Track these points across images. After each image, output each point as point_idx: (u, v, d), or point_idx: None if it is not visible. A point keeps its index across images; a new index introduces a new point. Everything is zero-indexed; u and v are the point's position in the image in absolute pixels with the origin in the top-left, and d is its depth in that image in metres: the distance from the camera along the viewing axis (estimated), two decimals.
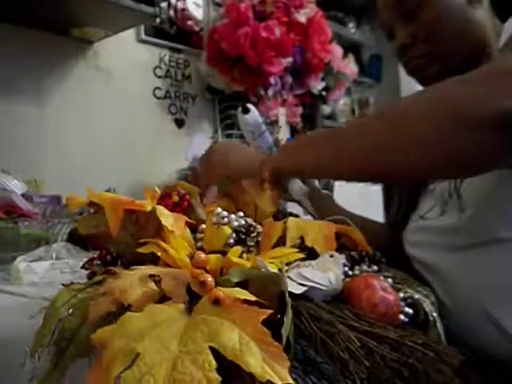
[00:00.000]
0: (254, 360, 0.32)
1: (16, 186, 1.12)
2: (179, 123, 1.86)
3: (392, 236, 0.81)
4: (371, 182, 0.72)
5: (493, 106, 0.47)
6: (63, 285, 0.50)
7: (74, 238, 0.98)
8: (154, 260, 0.52)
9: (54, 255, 0.88)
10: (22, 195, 1.13)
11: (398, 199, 0.86)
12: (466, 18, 0.70)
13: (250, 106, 0.82)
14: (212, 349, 0.33)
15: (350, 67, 2.19)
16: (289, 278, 0.46)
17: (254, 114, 0.82)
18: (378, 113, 0.61)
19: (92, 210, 0.57)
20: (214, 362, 0.32)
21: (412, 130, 0.51)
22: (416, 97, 0.56)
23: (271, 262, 0.49)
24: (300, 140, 0.74)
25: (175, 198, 0.62)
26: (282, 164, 0.65)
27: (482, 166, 0.53)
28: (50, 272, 0.83)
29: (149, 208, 0.54)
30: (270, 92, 1.85)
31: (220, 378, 0.31)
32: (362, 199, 1.40)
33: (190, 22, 1.84)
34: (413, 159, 0.51)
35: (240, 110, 0.83)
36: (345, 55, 2.20)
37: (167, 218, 0.53)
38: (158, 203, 0.59)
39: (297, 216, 0.68)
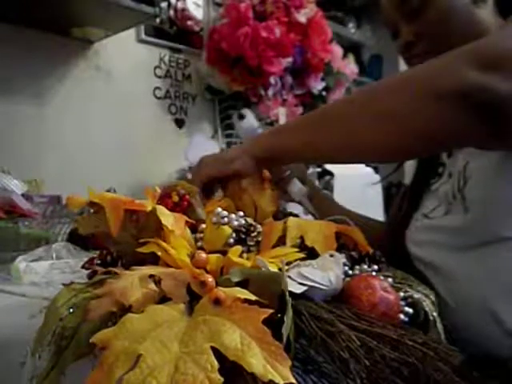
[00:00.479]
0: (256, 360, 0.32)
1: (16, 186, 1.12)
2: (179, 123, 1.86)
3: (393, 235, 0.81)
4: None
5: (452, 78, 0.49)
6: (64, 284, 0.49)
7: (74, 238, 0.98)
8: (154, 260, 0.51)
9: (54, 255, 0.88)
10: (22, 195, 1.12)
11: (399, 199, 0.86)
12: (470, 17, 0.70)
13: (245, 111, 0.82)
14: (213, 349, 0.33)
15: (349, 67, 2.18)
16: (289, 277, 0.46)
17: (249, 119, 0.82)
18: (350, 98, 0.65)
19: (92, 210, 0.57)
20: (216, 363, 0.32)
21: (380, 104, 0.54)
22: (387, 78, 0.62)
23: (271, 262, 0.49)
24: (286, 124, 0.75)
25: (175, 198, 0.62)
26: (274, 145, 0.65)
27: (449, 141, 0.54)
28: (50, 272, 0.83)
29: (149, 208, 0.54)
30: (270, 92, 1.84)
31: (222, 379, 0.31)
32: (362, 199, 1.40)
33: (189, 22, 1.84)
34: (380, 133, 0.54)
35: (236, 116, 0.83)
36: (345, 55, 2.20)
37: (167, 217, 0.53)
38: (158, 203, 0.59)
39: (297, 216, 0.68)
